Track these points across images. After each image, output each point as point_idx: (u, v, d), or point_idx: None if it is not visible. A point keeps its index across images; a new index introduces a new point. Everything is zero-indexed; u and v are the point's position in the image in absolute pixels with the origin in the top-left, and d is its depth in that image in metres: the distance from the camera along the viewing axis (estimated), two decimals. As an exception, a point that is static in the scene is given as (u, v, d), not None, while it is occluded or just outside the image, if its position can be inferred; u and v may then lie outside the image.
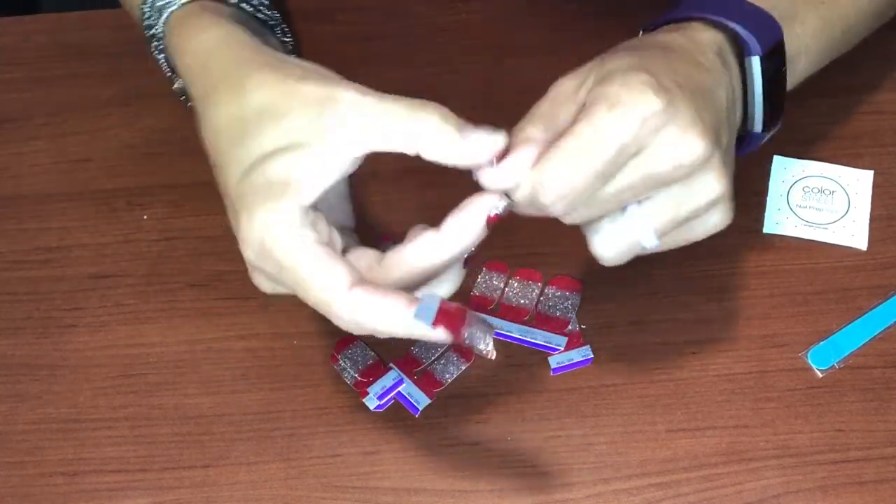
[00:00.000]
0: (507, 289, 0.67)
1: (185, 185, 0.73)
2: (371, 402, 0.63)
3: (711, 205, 0.50)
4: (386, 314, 0.47)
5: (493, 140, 0.49)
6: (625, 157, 0.47)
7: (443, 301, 0.48)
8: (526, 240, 0.69)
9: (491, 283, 0.67)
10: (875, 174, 0.70)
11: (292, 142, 0.47)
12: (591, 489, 0.59)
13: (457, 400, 0.63)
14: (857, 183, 0.69)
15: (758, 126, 0.58)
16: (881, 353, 0.63)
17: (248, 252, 0.48)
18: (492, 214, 0.49)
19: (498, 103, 0.76)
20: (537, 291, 0.66)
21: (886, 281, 0.66)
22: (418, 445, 0.61)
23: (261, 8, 0.64)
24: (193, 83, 0.54)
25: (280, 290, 0.50)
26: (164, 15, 0.59)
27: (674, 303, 0.66)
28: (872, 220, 0.68)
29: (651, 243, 0.51)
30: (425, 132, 0.48)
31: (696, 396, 0.62)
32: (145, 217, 0.72)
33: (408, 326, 0.47)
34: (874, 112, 0.73)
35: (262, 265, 0.48)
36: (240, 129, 0.49)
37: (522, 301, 0.66)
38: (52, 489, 0.61)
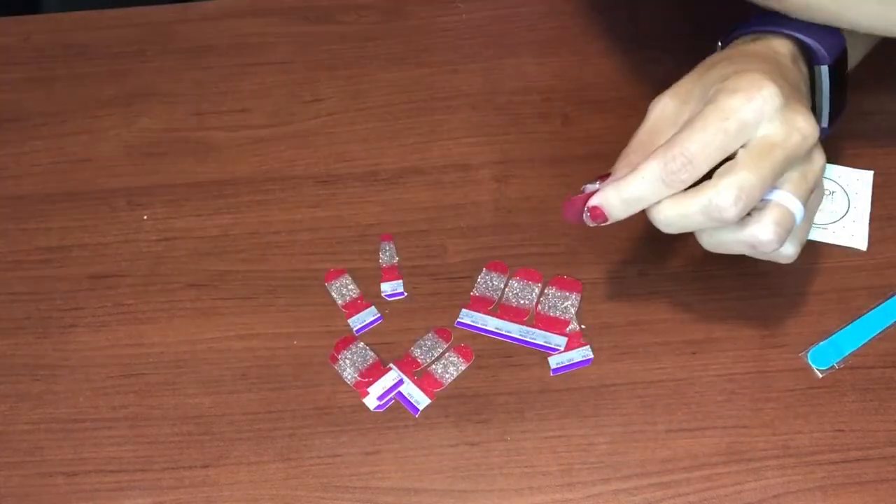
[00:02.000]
0: (507, 289, 0.67)
1: (185, 185, 0.73)
2: (371, 402, 0.63)
3: (820, 175, 0.57)
4: None
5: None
6: (748, 133, 0.53)
7: None
8: (526, 240, 0.69)
9: (491, 283, 0.67)
10: (875, 174, 0.70)
11: None
12: (591, 489, 0.59)
13: (457, 400, 0.63)
14: (857, 183, 0.69)
15: (824, 122, 0.64)
16: (881, 353, 0.63)
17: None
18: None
19: (498, 103, 0.76)
20: (537, 291, 0.66)
21: (886, 281, 0.66)
22: (418, 445, 0.61)
23: None
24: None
25: None
26: None
27: (674, 303, 0.66)
28: (872, 220, 0.68)
29: (799, 210, 0.55)
30: None
31: (696, 396, 0.62)
32: (145, 217, 0.72)
33: None
34: (874, 112, 0.73)
35: None
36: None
37: (522, 301, 0.66)
38: (52, 489, 0.61)
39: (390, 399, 0.63)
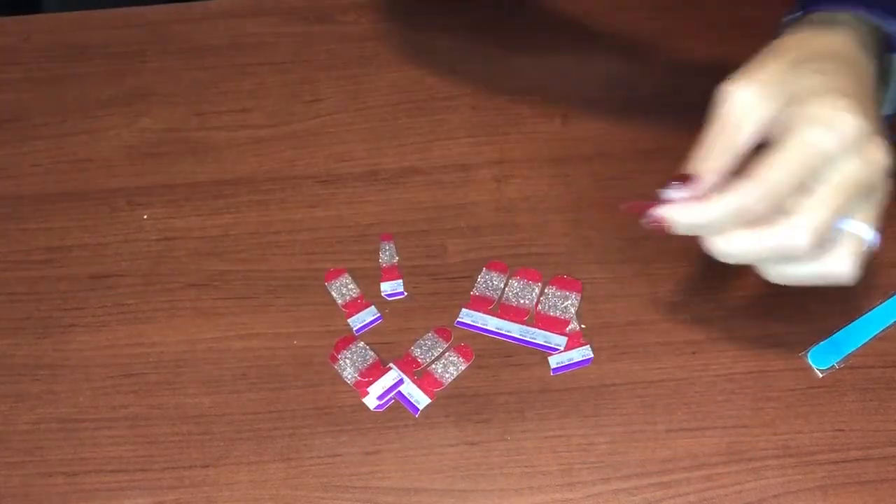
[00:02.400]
0: (507, 289, 0.67)
1: (185, 185, 0.73)
2: (371, 402, 0.63)
3: (884, 199, 0.54)
4: None
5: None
6: (829, 165, 0.51)
7: None
8: (526, 240, 0.69)
9: (491, 283, 0.67)
10: (875, 174, 0.70)
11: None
12: (591, 489, 0.59)
13: (457, 400, 0.63)
14: (857, 183, 0.69)
15: (890, 109, 0.62)
16: (881, 353, 0.63)
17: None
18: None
19: (498, 103, 0.76)
20: (537, 291, 0.66)
21: (886, 281, 0.66)
22: (418, 445, 0.61)
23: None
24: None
25: None
26: None
27: (674, 303, 0.66)
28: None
29: (873, 238, 0.54)
30: None
31: (696, 396, 0.62)
32: (145, 217, 0.72)
33: None
34: (874, 112, 0.73)
35: None
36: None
37: (522, 301, 0.66)
38: (52, 489, 0.61)
39: (390, 399, 0.63)
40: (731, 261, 0.54)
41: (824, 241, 0.52)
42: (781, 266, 0.54)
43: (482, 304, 0.66)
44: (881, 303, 0.65)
